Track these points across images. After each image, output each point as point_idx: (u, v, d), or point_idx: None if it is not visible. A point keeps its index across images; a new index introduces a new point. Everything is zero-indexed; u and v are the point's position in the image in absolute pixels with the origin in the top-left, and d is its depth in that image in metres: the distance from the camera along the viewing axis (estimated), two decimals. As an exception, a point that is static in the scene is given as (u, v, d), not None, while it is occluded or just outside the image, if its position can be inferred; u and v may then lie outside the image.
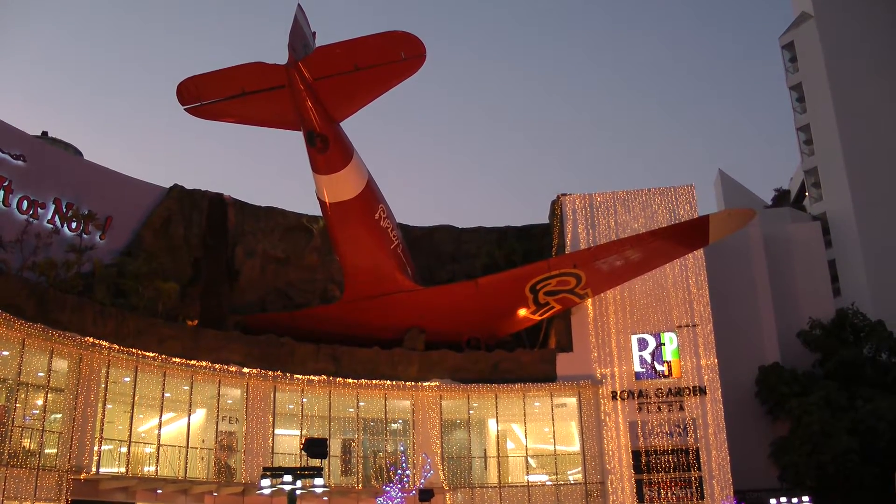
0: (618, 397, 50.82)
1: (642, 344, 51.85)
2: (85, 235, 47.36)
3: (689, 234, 48.72)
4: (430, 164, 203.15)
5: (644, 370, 51.43)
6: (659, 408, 50.66)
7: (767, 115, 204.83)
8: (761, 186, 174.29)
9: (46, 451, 38.01)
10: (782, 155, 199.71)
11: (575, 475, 50.64)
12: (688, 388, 50.90)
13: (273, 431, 45.88)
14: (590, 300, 52.18)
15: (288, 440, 46.78)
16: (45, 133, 52.28)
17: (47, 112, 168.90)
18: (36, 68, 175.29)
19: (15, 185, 44.91)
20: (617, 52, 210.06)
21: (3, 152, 44.74)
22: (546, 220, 57.58)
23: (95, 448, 39.41)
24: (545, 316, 52.46)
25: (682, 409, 50.55)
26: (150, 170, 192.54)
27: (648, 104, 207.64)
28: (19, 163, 45.35)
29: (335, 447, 47.24)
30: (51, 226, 46.17)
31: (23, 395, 38.01)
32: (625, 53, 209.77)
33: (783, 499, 48.85)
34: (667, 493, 49.12)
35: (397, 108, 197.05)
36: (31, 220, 45.34)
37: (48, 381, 38.60)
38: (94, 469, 39.03)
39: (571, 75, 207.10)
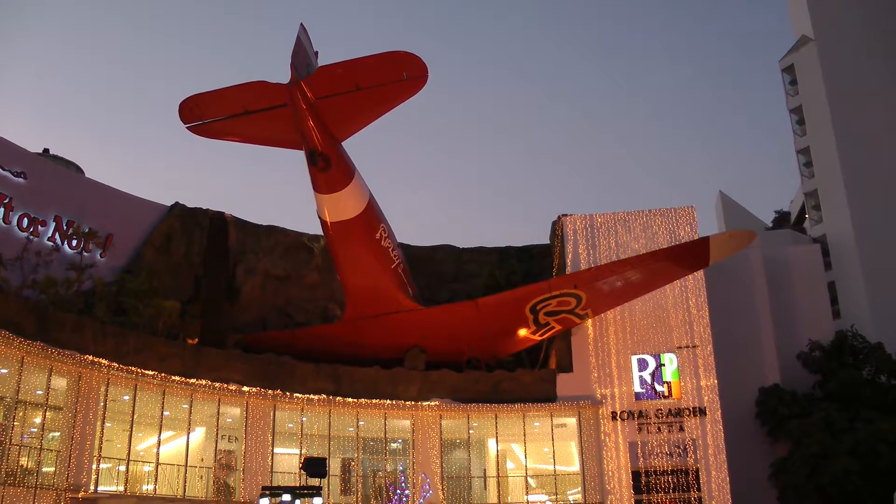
0: (618, 418, 50.74)
1: (642, 364, 51.80)
2: (85, 253, 47.42)
3: (689, 256, 48.82)
4: (432, 183, 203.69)
5: (644, 391, 51.37)
6: (659, 428, 50.59)
7: (768, 138, 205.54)
8: (762, 208, 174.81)
9: (44, 469, 37.87)
10: (783, 177, 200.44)
11: (574, 495, 50.51)
12: (688, 408, 50.80)
13: (272, 450, 45.77)
14: (590, 321, 52.15)
15: (287, 459, 46.76)
16: (46, 150, 52.35)
17: (49, 129, 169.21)
18: (38, 85, 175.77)
19: (15, 202, 44.87)
20: (618, 74, 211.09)
21: (4, 169, 44.77)
22: (547, 241, 57.76)
23: (94, 466, 39.22)
24: (545, 336, 52.41)
25: (681, 429, 50.47)
26: (152, 188, 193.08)
27: (649, 126, 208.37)
28: (20, 180, 45.36)
29: (334, 466, 47.19)
30: (51, 243, 46.14)
31: (21, 414, 37.88)
32: (626, 76, 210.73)
33: (783, 521, 48.70)
34: (666, 514, 48.97)
35: (399, 128, 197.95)
36: (32, 237, 45.27)
37: (47, 399, 38.51)
38: (92, 488, 38.85)
39: (573, 97, 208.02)
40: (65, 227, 46.94)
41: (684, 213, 54.26)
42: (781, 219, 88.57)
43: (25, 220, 45.23)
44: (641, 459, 49.94)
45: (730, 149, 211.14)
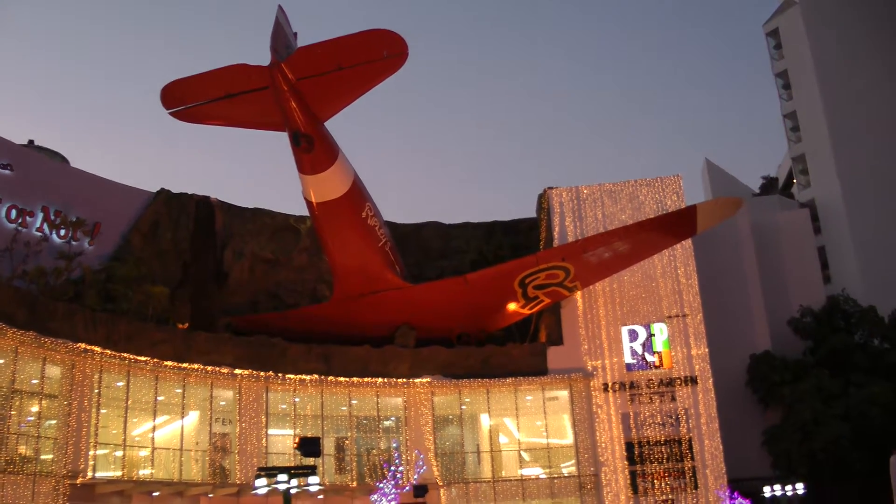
0: (609, 389, 50.92)
1: (633, 335, 52.03)
2: (74, 242, 47.54)
3: (676, 225, 48.94)
4: (416, 160, 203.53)
5: (635, 361, 51.59)
6: (651, 399, 50.80)
7: (753, 104, 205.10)
8: (749, 175, 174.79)
9: (42, 456, 38.29)
10: (769, 143, 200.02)
11: (568, 468, 50.73)
12: (679, 378, 51.08)
13: (266, 432, 45.99)
14: (579, 293, 52.28)
15: (281, 440, 46.84)
16: (31, 142, 52.51)
17: (33, 120, 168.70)
18: (20, 77, 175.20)
19: (2, 194, 45.05)
20: (600, 44, 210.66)
21: (-9, 162, 44.90)
22: (533, 215, 57.90)
23: (91, 453, 39.58)
24: (535, 310, 52.59)
25: (673, 399, 50.70)
26: (137, 175, 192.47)
27: (633, 96, 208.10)
28: (6, 172, 45.49)
29: (328, 446, 47.35)
30: (39, 234, 46.26)
31: (17, 403, 38.11)
32: (608, 46, 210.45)
33: (777, 486, 48.87)
34: (661, 484, 49.30)
35: (381, 105, 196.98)
36: (20, 228, 45.46)
37: (42, 388, 38.85)
38: (90, 473, 39.20)
39: (556, 69, 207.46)
40: (52, 217, 47.01)
41: (670, 182, 54.27)
42: (769, 185, 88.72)
43: (13, 212, 45.39)
44: (634, 430, 50.20)
45: (714, 116, 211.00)
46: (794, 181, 78.97)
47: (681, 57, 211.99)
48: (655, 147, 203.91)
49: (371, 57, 41.76)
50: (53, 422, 39.46)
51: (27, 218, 45.98)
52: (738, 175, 77.58)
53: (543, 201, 55.47)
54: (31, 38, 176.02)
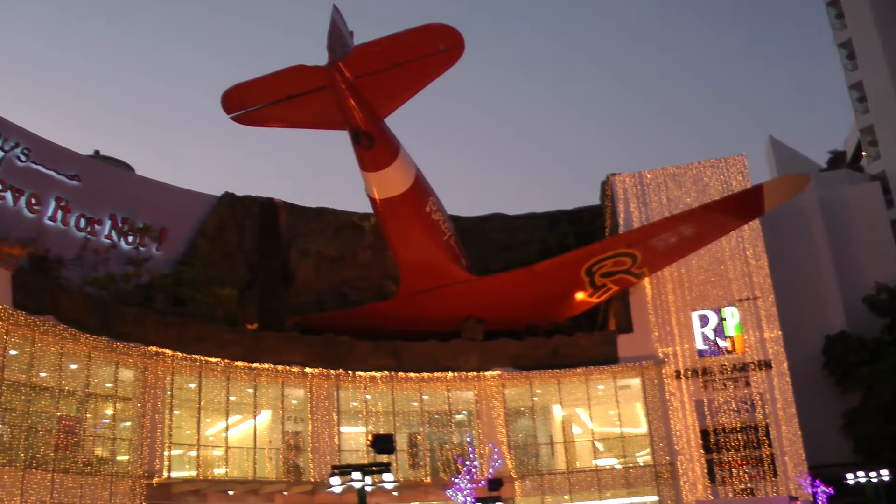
0: (682, 376, 50.24)
1: (703, 320, 51.29)
2: (141, 248, 48.54)
3: (743, 205, 48.23)
4: (478, 153, 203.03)
5: (707, 347, 50.85)
6: (724, 385, 49.99)
7: (815, 77, 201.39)
8: (815, 150, 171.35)
9: (118, 458, 39.10)
10: (834, 116, 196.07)
11: (644, 457, 50.26)
12: (752, 362, 50.18)
13: (339, 429, 46.23)
14: (647, 279, 51.77)
15: (354, 437, 47.15)
16: (96, 152, 53.46)
17: (97, 131, 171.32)
18: (82, 89, 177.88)
19: (71, 204, 46.16)
20: (659, 25, 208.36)
21: (59, 174, 45.98)
22: (597, 202, 57.53)
23: (166, 453, 40.19)
24: (603, 298, 52.24)
25: (748, 384, 49.81)
26: (201, 180, 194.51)
27: (692, 76, 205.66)
28: (74, 182, 46.59)
29: (401, 442, 47.28)
30: (108, 241, 47.38)
31: (92, 406, 39.01)
32: (667, 26, 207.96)
33: (860, 473, 47.43)
34: (738, 472, 48.31)
35: (441, 99, 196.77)
36: (89, 236, 46.60)
37: (116, 391, 39.60)
38: (165, 473, 39.82)
39: (614, 53, 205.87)
40: (120, 224, 48.04)
41: (735, 162, 53.40)
42: (836, 159, 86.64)
43: (82, 221, 46.58)
44: (709, 417, 49.37)
45: (776, 92, 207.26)
46: (863, 153, 76.99)
47: (738, 33, 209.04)
48: (717, 127, 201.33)
49: (427, 52, 41.95)
50: (128, 424, 40.19)
51: (96, 226, 47.09)
52: (804, 151, 76.27)
53: (607, 188, 54.98)
54: (92, 51, 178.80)
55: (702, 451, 48.93)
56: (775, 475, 48.13)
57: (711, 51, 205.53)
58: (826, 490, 46.46)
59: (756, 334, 50.65)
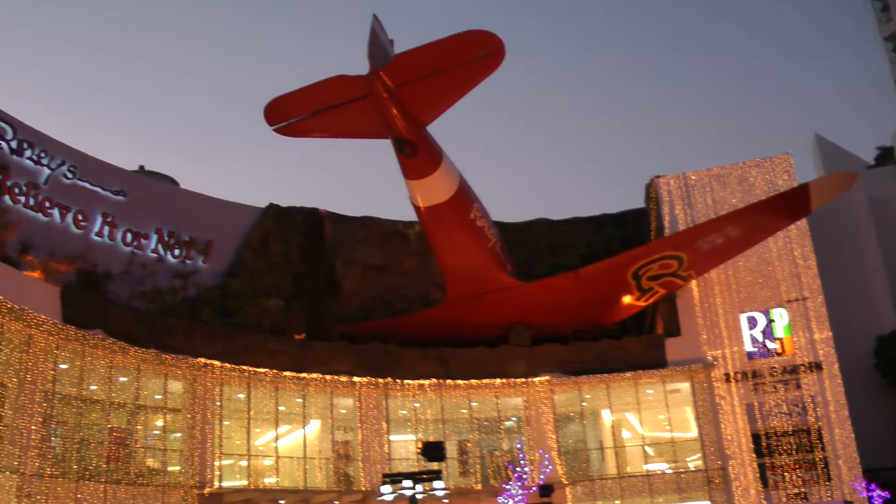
0: (731, 379, 49.61)
1: (752, 322, 50.69)
2: (188, 261, 49.10)
3: (789, 205, 47.68)
4: (522, 158, 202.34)
5: (756, 349, 50.16)
6: (775, 387, 49.30)
7: (861, 72, 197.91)
8: (862, 146, 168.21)
9: (169, 468, 39.54)
10: (881, 112, 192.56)
11: (695, 462, 49.63)
12: (803, 364, 49.38)
13: (388, 438, 46.36)
14: (694, 281, 51.20)
15: (403, 445, 47.23)
16: (141, 167, 54.15)
17: (141, 147, 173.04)
18: (126, 105, 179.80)
19: (117, 219, 46.79)
20: (701, 25, 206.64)
21: (105, 189, 46.61)
22: (642, 204, 57.16)
23: (216, 463, 40.56)
24: (650, 301, 51.87)
25: (798, 387, 49.05)
26: (245, 192, 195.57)
27: (735, 75, 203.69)
28: (120, 198, 47.23)
29: (451, 449, 47.15)
30: (155, 255, 47.98)
31: (143, 418, 39.61)
32: (708, 26, 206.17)
33: (918, 477, 46.71)
34: (791, 477, 47.53)
35: (483, 106, 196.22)
36: (136, 251, 47.27)
37: (165, 403, 40.15)
38: (216, 483, 40.19)
39: (656, 54, 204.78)
40: (166, 238, 48.61)
41: (780, 161, 52.67)
42: (884, 155, 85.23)
43: (129, 235, 47.22)
44: (760, 421, 48.66)
45: (822, 89, 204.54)
46: (911, 148, 75.84)
47: (780, 30, 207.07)
48: (762, 126, 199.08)
49: (468, 58, 41.83)
50: (178, 434, 40.62)
51: (142, 240, 47.70)
52: (851, 147, 74.99)
53: (651, 190, 54.56)
54: (134, 68, 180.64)
55: (753, 455, 48.15)
56: (829, 479, 47.20)
57: (754, 49, 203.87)
58: (882, 494, 45.39)
59: (806, 335, 49.88)
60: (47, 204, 43.90)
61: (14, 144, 42.92)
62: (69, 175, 45.22)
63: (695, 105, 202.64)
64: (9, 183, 42.08)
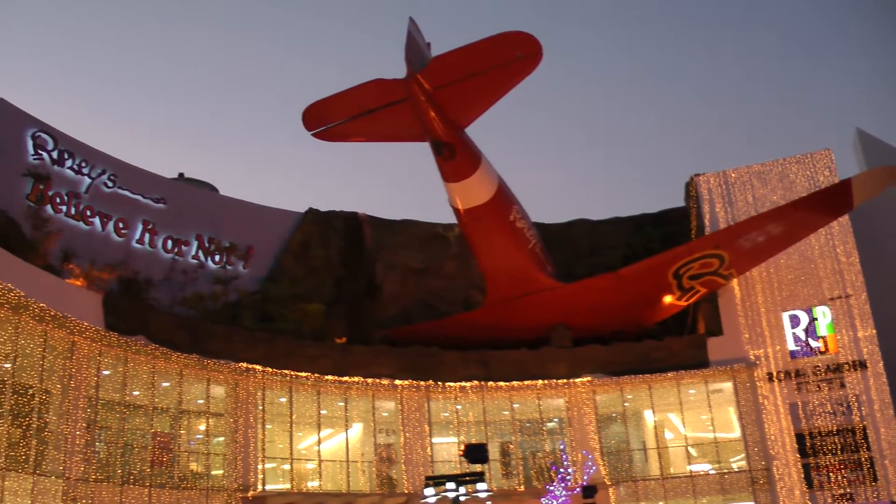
0: (774, 379, 49.15)
1: (794, 321, 50.20)
2: (228, 267, 49.46)
3: (831, 201, 47.18)
4: (560, 159, 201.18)
5: (799, 348, 49.68)
6: (818, 386, 48.75)
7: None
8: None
9: (213, 472, 39.99)
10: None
11: (738, 462, 49.31)
12: (847, 363, 48.78)
13: (430, 440, 46.45)
14: (735, 280, 50.85)
15: (446, 448, 47.32)
16: (181, 174, 54.58)
17: (181, 154, 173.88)
18: (168, 113, 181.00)
19: (158, 226, 47.33)
20: (738, 20, 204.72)
21: (145, 197, 47.08)
22: (682, 203, 56.75)
23: (259, 467, 40.80)
24: (691, 301, 51.54)
25: (843, 386, 48.44)
26: (284, 197, 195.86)
27: (774, 71, 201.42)
28: (160, 205, 47.80)
29: (493, 451, 47.04)
30: (195, 261, 48.46)
31: (185, 422, 40.01)
32: (746, 21, 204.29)
33: (967, 478, 45.94)
34: (837, 477, 46.93)
35: (521, 107, 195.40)
36: (177, 257, 47.73)
37: (208, 407, 40.54)
38: (260, 487, 40.44)
39: (693, 51, 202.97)
40: (206, 244, 49.06)
41: (821, 156, 52.21)
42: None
43: (169, 242, 47.77)
44: (804, 421, 48.11)
45: (861, 83, 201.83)
46: (956, 142, 74.68)
47: (817, 24, 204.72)
48: (801, 122, 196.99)
49: (505, 60, 41.63)
50: (221, 439, 40.97)
51: (182, 247, 48.19)
52: (894, 142, 73.80)
53: (691, 189, 54.22)
54: (172, 76, 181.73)
55: (798, 455, 47.63)
56: (875, 479, 46.54)
57: (792, 43, 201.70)
58: (930, 495, 45.18)
59: (849, 334, 49.30)
60: (88, 213, 44.45)
61: (55, 155, 43.49)
62: (110, 184, 45.73)
63: (734, 102, 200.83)
64: (50, 193, 42.59)
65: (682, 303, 51.62)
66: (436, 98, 42.03)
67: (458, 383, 47.22)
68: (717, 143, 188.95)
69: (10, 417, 30.81)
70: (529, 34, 41.05)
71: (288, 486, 42.22)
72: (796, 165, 52.21)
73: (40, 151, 42.79)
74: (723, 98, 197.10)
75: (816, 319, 49.82)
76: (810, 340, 49.60)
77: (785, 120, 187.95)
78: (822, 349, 49.32)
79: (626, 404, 50.36)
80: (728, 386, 49.74)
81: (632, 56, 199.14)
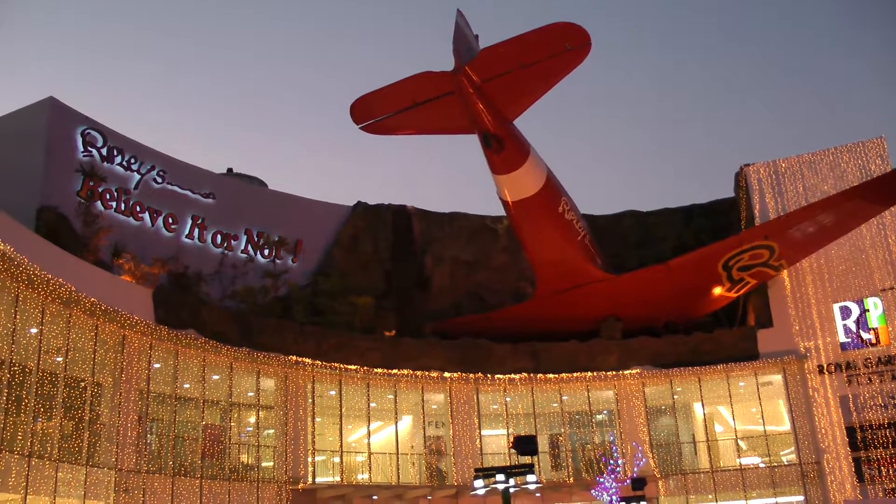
0: (825, 371, 48.62)
1: (845, 312, 49.63)
2: (278, 261, 49.84)
3: (883, 191, 46.34)
4: (609, 150, 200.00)
5: (850, 340, 49.04)
6: (870, 379, 48.16)
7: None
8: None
9: (263, 464, 40.21)
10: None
11: (788, 456, 48.94)
12: (898, 355, 48.39)
13: (480, 433, 46.51)
14: (785, 271, 50.40)
15: (495, 440, 47.45)
16: (230, 170, 54.94)
17: (230, 150, 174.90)
18: (214, 110, 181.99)
19: (208, 221, 47.67)
20: (787, 7, 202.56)
21: (194, 193, 47.43)
22: (731, 194, 56.22)
23: (310, 459, 41.15)
24: (741, 292, 51.20)
25: (894, 378, 47.80)
26: (333, 190, 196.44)
27: (824, 58, 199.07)
28: (209, 201, 48.07)
29: (542, 443, 47.30)
30: (245, 255, 48.74)
31: (236, 415, 40.52)
32: (795, 8, 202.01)
33: None
34: (888, 471, 46.33)
35: (569, 99, 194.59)
36: (226, 252, 48.07)
37: (258, 400, 40.79)
38: (310, 479, 40.87)
39: (741, 41, 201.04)
40: (256, 239, 49.42)
41: (873, 145, 51.40)
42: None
43: (219, 237, 48.10)
44: (855, 414, 47.51)
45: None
46: None
47: (866, 7, 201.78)
48: (854, 109, 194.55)
49: (554, 51, 41.58)
50: (271, 431, 41.35)
51: (232, 241, 48.53)
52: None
53: (741, 179, 53.66)
54: (219, 71, 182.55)
55: (848, 448, 47.05)
56: (926, 473, 46.25)
57: (842, 31, 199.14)
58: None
59: (901, 325, 48.82)
60: (138, 208, 44.85)
61: (104, 152, 43.81)
62: (159, 180, 46.12)
63: (784, 90, 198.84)
64: (100, 189, 42.96)
65: (733, 294, 51.31)
66: (484, 90, 42.02)
67: (508, 375, 47.19)
68: (768, 132, 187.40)
69: (63, 410, 31.13)
70: (578, 25, 40.99)
71: (338, 478, 42.58)
72: (848, 154, 51.53)
73: (90, 148, 43.13)
74: (774, 87, 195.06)
75: (868, 311, 49.19)
76: (861, 332, 49.00)
77: (837, 108, 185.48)
78: (874, 341, 48.70)
79: (675, 397, 50.15)
80: (778, 378, 49.34)
81: (681, 46, 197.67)
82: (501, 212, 49.56)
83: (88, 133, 43.35)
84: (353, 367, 43.45)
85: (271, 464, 40.61)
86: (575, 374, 48.11)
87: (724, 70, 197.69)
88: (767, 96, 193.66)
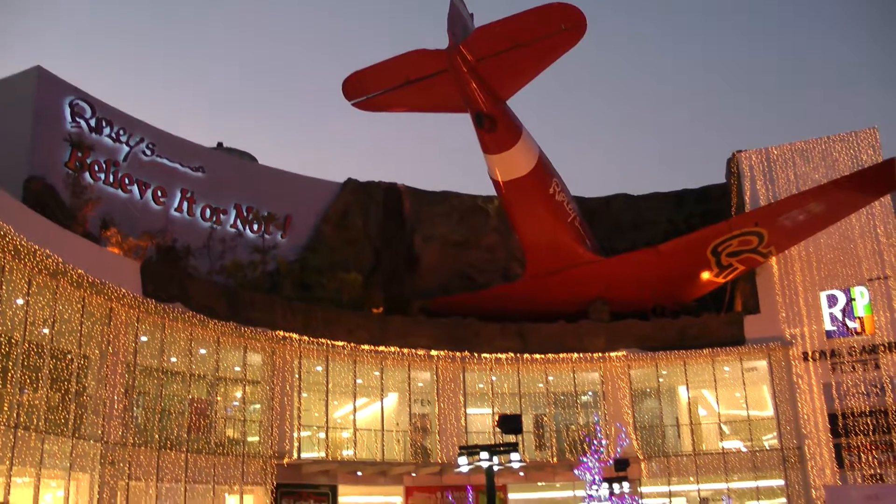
0: (809, 358, 48.80)
1: (832, 300, 49.79)
2: (267, 236, 49.81)
3: (874, 181, 46.40)
4: (602, 132, 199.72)
5: (835, 328, 49.22)
6: (853, 367, 48.38)
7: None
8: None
9: (249, 439, 40.45)
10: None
11: (770, 441, 49.21)
12: (882, 344, 48.18)
13: (465, 411, 46.68)
14: (774, 258, 50.52)
15: (480, 419, 47.50)
16: (220, 144, 54.75)
17: (219, 122, 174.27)
18: (204, 83, 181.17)
19: (197, 195, 47.65)
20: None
21: (184, 166, 47.38)
22: (723, 180, 56.43)
23: (295, 434, 41.28)
24: (729, 278, 51.34)
25: (877, 367, 47.86)
26: (323, 167, 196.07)
27: (818, 47, 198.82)
28: (199, 174, 48.01)
29: (527, 423, 47.20)
30: (234, 230, 48.77)
31: (222, 389, 40.58)
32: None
33: None
34: (868, 458, 46.67)
35: (562, 79, 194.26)
36: (215, 226, 48.06)
37: (245, 375, 40.88)
38: (295, 454, 40.95)
39: (736, 25, 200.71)
40: (245, 214, 49.38)
41: (866, 135, 51.38)
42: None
43: (208, 211, 48.07)
44: (837, 401, 47.72)
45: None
46: None
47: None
48: (845, 99, 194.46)
49: (548, 31, 41.17)
50: (258, 406, 41.44)
51: (221, 216, 48.49)
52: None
53: (732, 165, 53.77)
54: (211, 44, 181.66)
55: (830, 435, 47.34)
56: (905, 461, 46.55)
57: (836, 20, 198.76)
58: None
59: (886, 315, 48.69)
60: (127, 181, 44.69)
61: (93, 123, 43.57)
62: (148, 152, 45.96)
63: (778, 77, 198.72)
64: (88, 160, 42.75)
65: (721, 280, 51.45)
66: (478, 69, 41.81)
67: (494, 355, 47.26)
68: (761, 119, 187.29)
69: (49, 382, 31.05)
70: (574, 6, 40.65)
71: (323, 454, 42.57)
72: (840, 143, 51.53)
73: (78, 119, 42.88)
74: (767, 74, 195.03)
75: (854, 300, 49.34)
76: (847, 321, 49.18)
77: (830, 97, 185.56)
78: (859, 330, 48.87)
79: (660, 380, 50.25)
80: (763, 364, 49.53)
81: (675, 29, 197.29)
82: (492, 192, 49.52)
83: (77, 103, 43.07)
84: (340, 343, 43.41)
85: (257, 438, 40.73)
86: (561, 355, 48.14)
87: (720, 53, 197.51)
88: (762, 84, 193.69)
